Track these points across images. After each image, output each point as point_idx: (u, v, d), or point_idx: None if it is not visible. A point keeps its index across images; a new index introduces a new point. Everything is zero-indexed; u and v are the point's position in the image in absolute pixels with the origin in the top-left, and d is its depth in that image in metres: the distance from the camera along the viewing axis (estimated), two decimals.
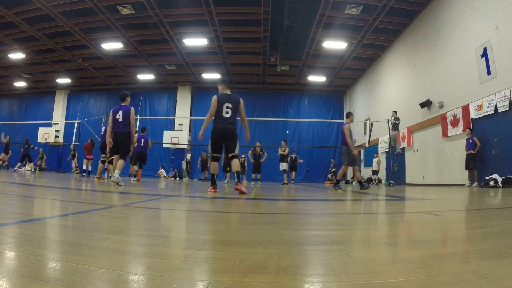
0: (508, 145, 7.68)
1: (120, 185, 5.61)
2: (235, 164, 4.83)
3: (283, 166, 12.32)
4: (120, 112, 5.99)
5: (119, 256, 0.98)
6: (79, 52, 16.51)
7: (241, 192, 4.55)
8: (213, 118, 4.84)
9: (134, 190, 5.21)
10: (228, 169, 11.93)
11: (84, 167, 11.96)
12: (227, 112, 4.72)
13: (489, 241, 1.34)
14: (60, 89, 21.97)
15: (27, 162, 14.50)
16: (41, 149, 19.28)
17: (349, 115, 6.96)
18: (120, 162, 5.99)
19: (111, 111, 6.21)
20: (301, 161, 14.96)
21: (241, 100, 4.93)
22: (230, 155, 4.85)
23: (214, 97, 4.83)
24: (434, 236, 1.57)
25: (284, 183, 11.69)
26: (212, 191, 4.63)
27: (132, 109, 6.10)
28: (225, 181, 12.13)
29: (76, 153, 16.94)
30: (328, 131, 20.58)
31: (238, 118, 5.03)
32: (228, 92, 4.96)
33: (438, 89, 10.72)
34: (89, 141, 12.22)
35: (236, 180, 4.77)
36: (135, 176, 10.17)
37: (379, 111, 15.45)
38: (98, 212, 2.11)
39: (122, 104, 6.17)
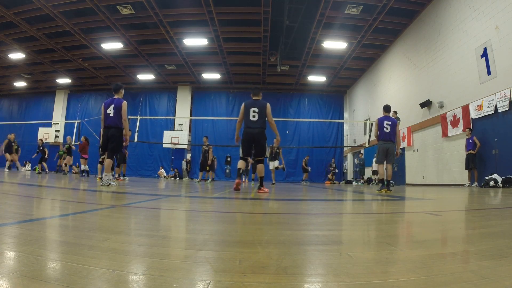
0: (508, 145, 7.68)
1: (112, 186, 5.33)
2: (259, 169, 5.25)
3: (275, 164, 12.14)
4: (112, 106, 5.45)
5: (119, 256, 0.98)
6: (79, 52, 16.51)
7: (264, 192, 5.02)
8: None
9: (134, 190, 5.21)
10: (208, 168, 11.99)
11: (82, 167, 11.86)
12: (253, 116, 5.04)
13: (489, 241, 1.34)
14: (60, 89, 21.97)
15: (27, 162, 14.37)
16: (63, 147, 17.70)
17: (390, 108, 6.45)
18: (108, 162, 5.50)
19: (103, 104, 5.62)
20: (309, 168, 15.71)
21: (268, 104, 5.15)
22: (256, 159, 5.30)
23: (242, 104, 5.23)
24: (434, 236, 1.57)
25: (273, 183, 11.69)
26: (237, 183, 5.01)
27: (125, 103, 5.50)
28: (198, 180, 12.16)
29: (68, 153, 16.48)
30: (328, 131, 20.59)
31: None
32: (256, 98, 5.22)
33: (438, 89, 10.72)
34: (83, 140, 12.04)
35: (259, 184, 5.23)
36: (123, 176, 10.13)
37: (379, 111, 15.39)
38: (98, 212, 2.11)
39: (114, 97, 5.60)
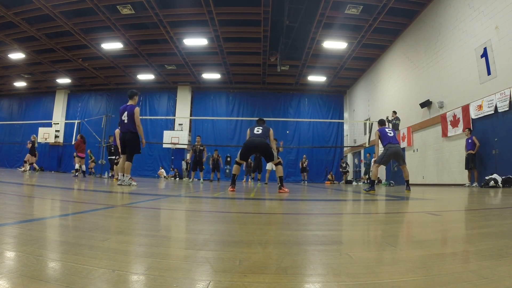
0: (508, 145, 7.68)
1: (133, 185, 5.87)
2: (278, 170, 5.73)
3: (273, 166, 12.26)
4: (125, 113, 5.99)
5: (119, 256, 0.98)
6: (79, 52, 16.50)
7: (285, 192, 5.32)
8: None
9: (134, 190, 5.21)
10: (203, 167, 12.10)
11: (77, 166, 11.65)
12: (257, 131, 5.67)
13: (489, 241, 1.34)
14: (60, 89, 21.98)
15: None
16: (89, 150, 15.51)
17: (385, 121, 6.93)
18: (127, 164, 6.07)
19: (120, 110, 6.17)
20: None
21: (271, 129, 5.80)
22: (273, 163, 5.74)
23: (248, 129, 5.84)
24: (434, 236, 1.57)
25: (265, 183, 11.74)
26: (231, 190, 5.26)
27: (137, 109, 6.00)
28: (201, 181, 12.25)
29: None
30: (328, 131, 20.58)
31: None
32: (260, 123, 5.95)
33: (438, 89, 10.72)
34: (79, 138, 11.90)
35: (279, 185, 5.58)
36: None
37: (379, 111, 15.46)
38: (98, 212, 2.11)
39: (128, 104, 6.09)
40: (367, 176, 16.14)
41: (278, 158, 5.75)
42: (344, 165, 18.24)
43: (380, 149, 6.55)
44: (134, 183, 6.23)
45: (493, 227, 1.80)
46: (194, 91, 21.19)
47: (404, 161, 6.44)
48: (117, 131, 8.59)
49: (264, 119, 6.18)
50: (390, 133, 6.36)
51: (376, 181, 6.51)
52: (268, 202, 3.79)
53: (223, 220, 2.10)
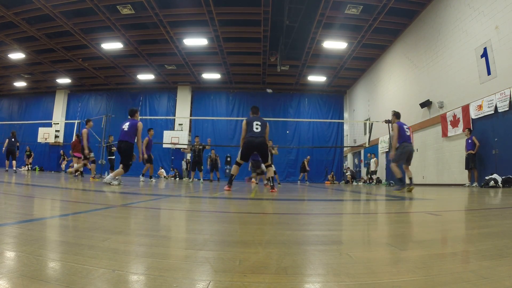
0: (508, 145, 7.68)
1: (112, 185, 5.80)
2: (270, 171, 5.89)
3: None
4: (127, 124, 6.22)
5: (119, 256, 0.98)
6: (79, 52, 16.50)
7: (274, 192, 5.32)
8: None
9: (134, 190, 5.21)
10: (202, 167, 12.15)
11: (75, 166, 11.58)
12: (257, 128, 5.56)
13: (489, 241, 1.34)
14: (60, 89, 21.97)
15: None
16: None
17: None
18: (119, 171, 6.15)
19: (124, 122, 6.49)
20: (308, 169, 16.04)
21: (268, 124, 5.77)
22: (265, 164, 5.88)
23: (244, 121, 5.71)
24: (434, 236, 1.57)
25: (266, 184, 11.74)
26: (227, 189, 5.37)
27: (140, 124, 6.23)
28: (197, 179, 12.35)
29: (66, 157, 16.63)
30: (328, 131, 20.57)
31: None
32: (256, 115, 5.84)
33: (438, 89, 10.72)
34: (75, 138, 11.88)
35: (272, 184, 5.71)
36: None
37: (379, 111, 15.47)
38: (98, 212, 2.11)
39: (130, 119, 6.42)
40: (368, 176, 16.14)
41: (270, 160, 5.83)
42: (347, 173, 18.19)
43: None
44: (115, 182, 6.07)
45: (493, 227, 1.80)
46: (194, 91, 21.19)
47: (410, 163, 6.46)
48: (85, 130, 9.28)
49: (264, 119, 6.00)
50: (407, 131, 6.31)
51: (401, 178, 6.34)
52: (268, 202, 3.79)
53: (223, 220, 2.10)
